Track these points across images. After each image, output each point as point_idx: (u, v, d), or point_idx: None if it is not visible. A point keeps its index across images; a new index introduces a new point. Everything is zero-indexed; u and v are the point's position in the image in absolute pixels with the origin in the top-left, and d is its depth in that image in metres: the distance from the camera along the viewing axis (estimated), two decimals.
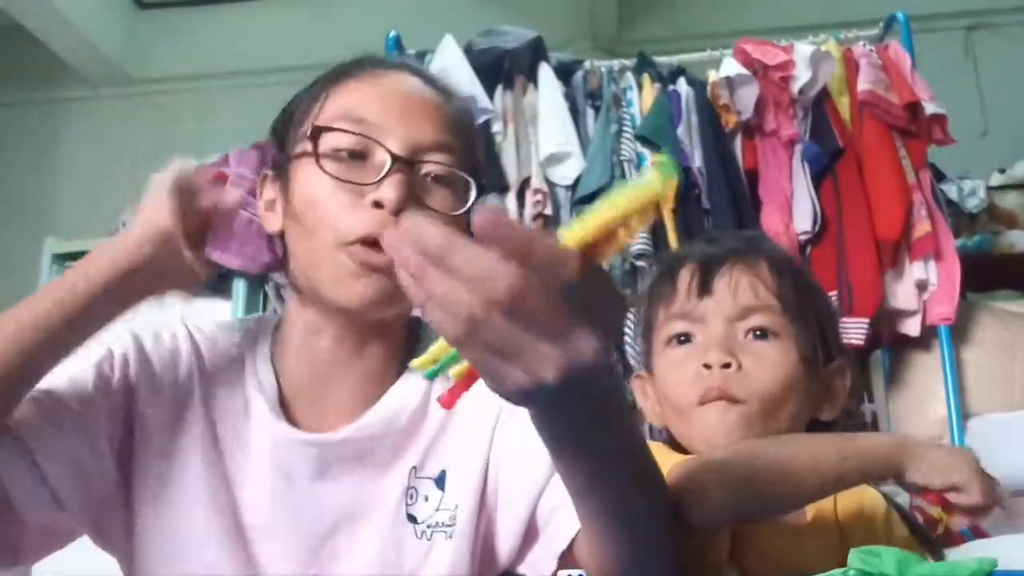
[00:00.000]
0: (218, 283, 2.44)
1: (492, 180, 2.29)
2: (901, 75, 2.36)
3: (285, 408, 0.80)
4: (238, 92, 3.98)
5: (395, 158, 0.73)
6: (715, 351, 0.82)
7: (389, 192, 0.72)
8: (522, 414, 0.81)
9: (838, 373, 0.88)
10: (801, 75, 2.33)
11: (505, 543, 0.78)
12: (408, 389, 0.81)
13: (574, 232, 0.46)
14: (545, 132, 2.34)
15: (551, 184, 2.34)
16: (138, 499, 0.77)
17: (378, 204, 0.72)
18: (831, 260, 2.25)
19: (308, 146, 0.75)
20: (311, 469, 0.77)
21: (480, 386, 0.48)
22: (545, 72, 2.43)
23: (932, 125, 2.34)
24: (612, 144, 2.32)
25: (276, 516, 0.77)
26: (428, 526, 0.77)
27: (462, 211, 0.77)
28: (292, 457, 0.78)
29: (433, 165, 0.76)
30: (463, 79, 2.34)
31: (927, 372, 2.30)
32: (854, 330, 2.16)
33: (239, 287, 2.45)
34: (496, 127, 2.37)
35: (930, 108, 2.31)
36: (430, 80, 0.82)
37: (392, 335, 0.82)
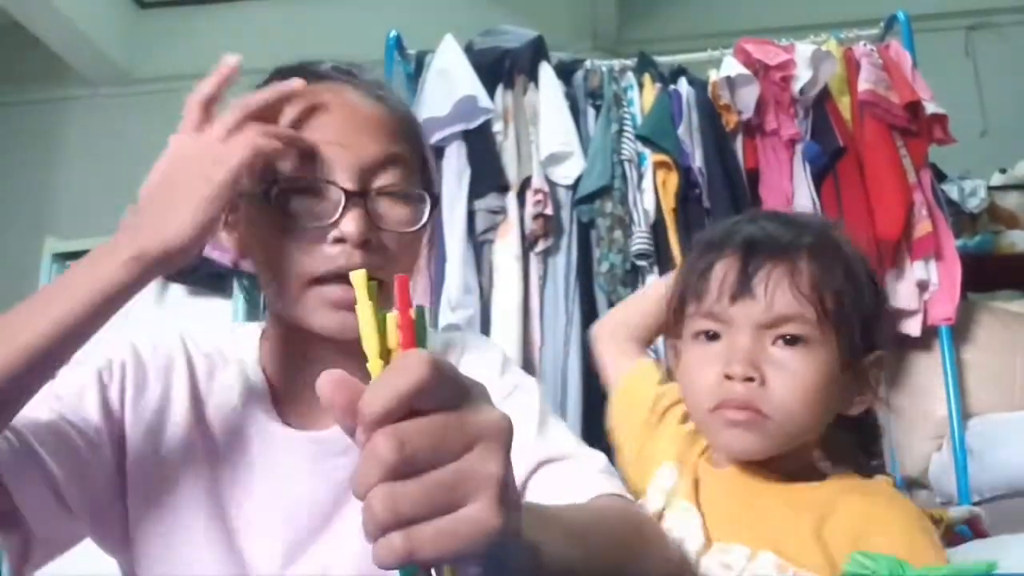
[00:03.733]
0: (217, 282, 2.44)
1: (492, 180, 2.29)
2: (902, 75, 2.36)
3: (277, 409, 0.82)
4: (238, 92, 3.97)
5: (348, 194, 0.75)
6: (739, 364, 0.79)
7: (350, 227, 0.74)
8: (521, 397, 0.82)
9: (874, 365, 0.84)
10: (802, 75, 2.33)
11: None
12: None
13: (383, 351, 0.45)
14: (546, 132, 2.34)
15: (552, 184, 2.33)
16: (133, 502, 0.78)
17: (341, 240, 0.74)
18: None
19: (263, 198, 0.76)
20: (306, 466, 0.79)
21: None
22: (546, 72, 2.43)
23: (932, 125, 2.34)
24: (613, 144, 2.32)
25: (269, 514, 0.78)
26: None
27: (417, 228, 0.79)
28: (288, 455, 0.80)
29: (383, 181, 0.77)
30: (464, 79, 2.34)
31: (927, 372, 2.30)
32: None
33: (238, 286, 2.45)
34: (497, 127, 2.36)
35: (931, 108, 2.31)
36: (363, 86, 0.81)
37: None
